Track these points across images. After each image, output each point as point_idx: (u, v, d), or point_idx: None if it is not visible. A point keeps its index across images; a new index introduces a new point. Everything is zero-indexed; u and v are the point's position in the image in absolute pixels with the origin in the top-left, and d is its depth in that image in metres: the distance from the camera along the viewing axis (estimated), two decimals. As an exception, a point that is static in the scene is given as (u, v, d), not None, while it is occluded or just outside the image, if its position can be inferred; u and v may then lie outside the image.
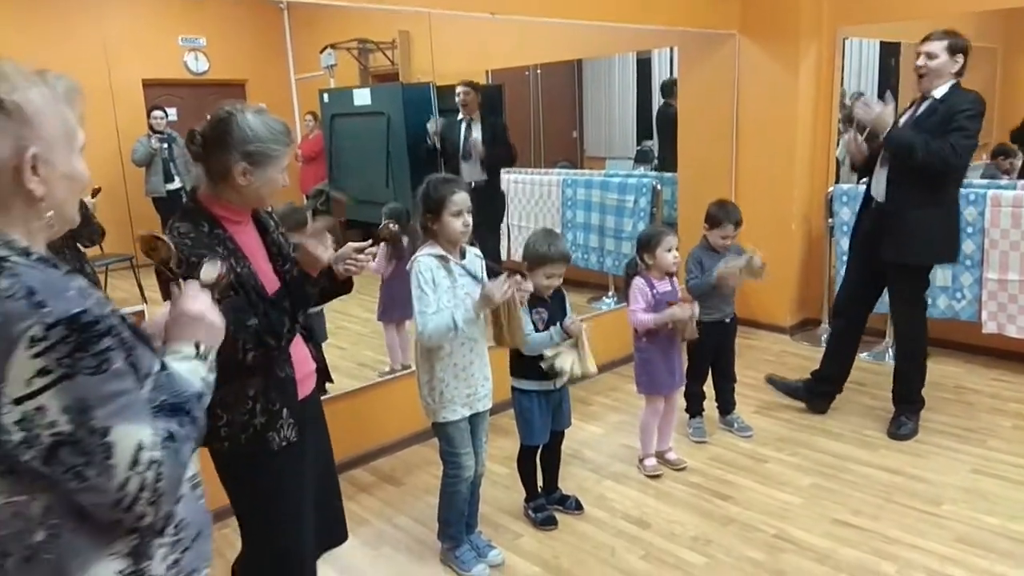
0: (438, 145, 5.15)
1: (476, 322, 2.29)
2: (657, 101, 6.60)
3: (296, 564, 1.96)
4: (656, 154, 6.50)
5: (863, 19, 4.56)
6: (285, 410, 1.83)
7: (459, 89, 5.01)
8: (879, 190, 3.30)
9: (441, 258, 2.30)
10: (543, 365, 2.59)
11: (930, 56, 3.11)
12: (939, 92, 3.13)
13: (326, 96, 6.38)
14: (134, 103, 5.67)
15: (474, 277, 2.34)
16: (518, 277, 2.32)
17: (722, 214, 3.27)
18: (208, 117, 1.77)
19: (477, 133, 4.95)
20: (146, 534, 1.05)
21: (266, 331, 1.72)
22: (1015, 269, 3.91)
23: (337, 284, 1.98)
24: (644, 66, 7.17)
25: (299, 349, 1.94)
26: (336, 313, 5.07)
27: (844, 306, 3.60)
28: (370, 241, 2.05)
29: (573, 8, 3.94)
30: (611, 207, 5.75)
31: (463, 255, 2.37)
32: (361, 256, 1.96)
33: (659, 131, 6.34)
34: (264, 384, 1.79)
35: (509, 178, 6.45)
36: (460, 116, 5.04)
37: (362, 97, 6.27)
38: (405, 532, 2.79)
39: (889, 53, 6.28)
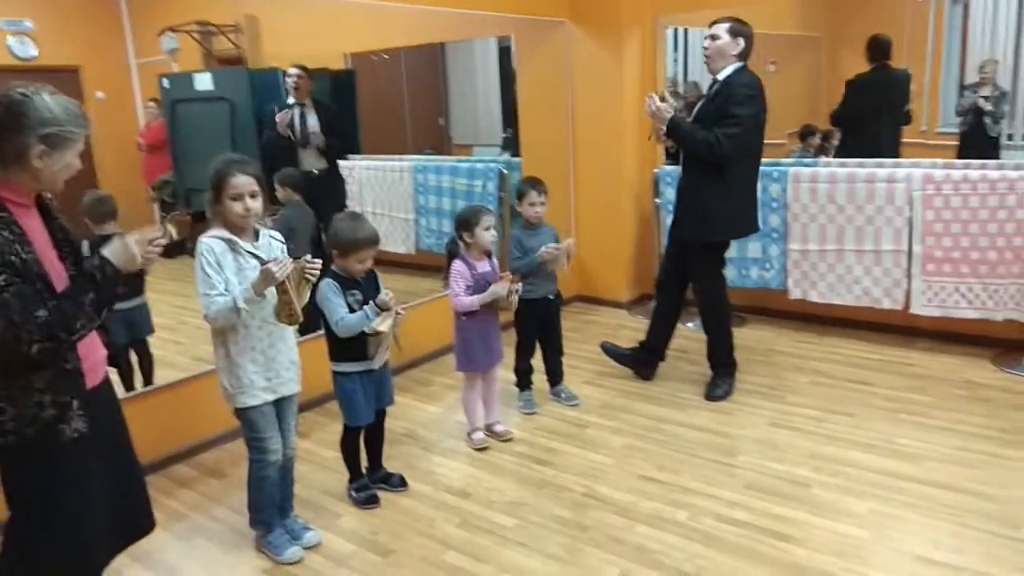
0: (294, 136, 5.01)
1: (259, 300, 2.27)
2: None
3: (81, 560, 1.92)
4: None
5: (680, 8, 4.82)
6: (75, 401, 1.80)
7: (291, 71, 4.92)
8: (680, 171, 3.53)
9: (228, 241, 2.28)
10: (367, 333, 2.61)
11: (714, 38, 3.35)
12: (723, 74, 3.38)
13: (166, 81, 6.08)
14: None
15: (262, 260, 2.32)
16: (304, 257, 2.33)
17: (526, 185, 3.45)
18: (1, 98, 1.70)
19: (313, 120, 4.88)
20: None
21: (58, 325, 1.67)
22: (814, 240, 4.29)
23: (129, 276, 1.94)
24: (506, 53, 7.26)
25: (91, 337, 1.89)
26: (178, 308, 4.89)
27: (662, 282, 3.82)
28: (160, 232, 2.02)
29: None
30: (461, 192, 5.83)
31: (257, 237, 2.36)
32: (152, 248, 1.93)
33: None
34: (52, 376, 1.76)
35: (361, 165, 6.43)
36: (292, 101, 4.95)
37: (203, 82, 6.02)
38: (223, 523, 2.76)
39: None
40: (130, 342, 3.64)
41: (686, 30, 6.40)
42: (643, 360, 3.91)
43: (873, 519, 2.59)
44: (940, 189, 3.86)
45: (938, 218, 3.88)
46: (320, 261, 2.39)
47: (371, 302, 2.63)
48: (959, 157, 4.81)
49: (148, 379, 3.65)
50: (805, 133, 6.10)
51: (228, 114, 5.75)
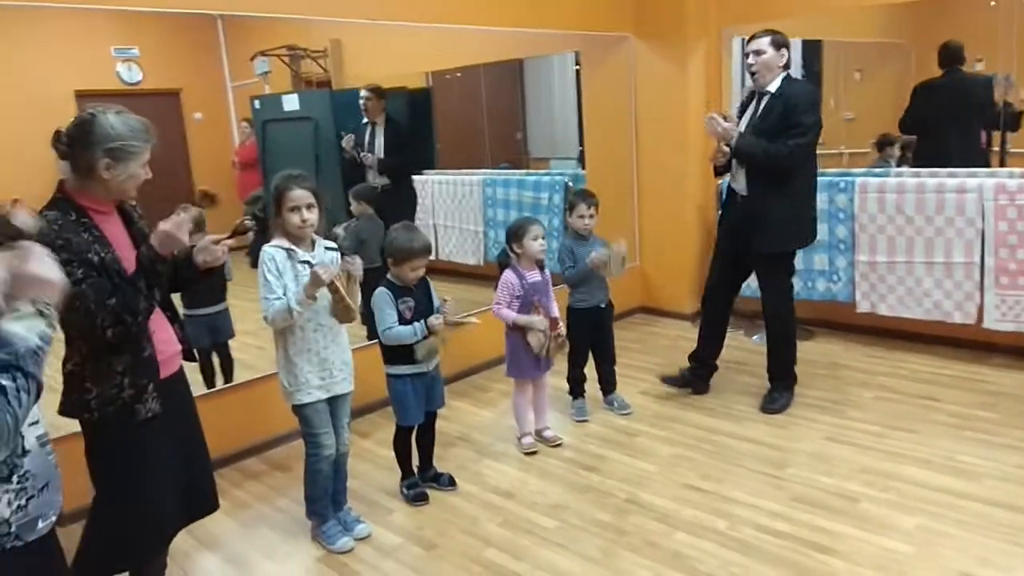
0: (358, 158, 5.30)
1: (310, 303, 2.44)
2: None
3: (150, 529, 2.13)
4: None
5: (746, 19, 4.79)
6: (151, 384, 2.02)
7: (362, 93, 5.17)
8: (741, 185, 3.52)
9: (288, 250, 2.47)
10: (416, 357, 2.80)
11: (758, 53, 3.37)
12: (773, 86, 3.38)
13: (257, 102, 6.51)
14: (68, 114, 5.76)
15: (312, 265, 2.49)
16: (347, 258, 2.50)
17: (576, 197, 3.54)
18: (73, 119, 1.95)
19: (380, 139, 5.13)
20: None
21: (123, 309, 1.90)
22: (883, 251, 4.18)
23: (201, 273, 2.18)
24: (583, 68, 7.35)
25: (164, 331, 2.14)
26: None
27: (711, 292, 3.81)
28: (227, 234, 2.24)
29: (463, 13, 4.15)
30: (528, 204, 5.98)
31: (313, 247, 2.54)
32: (217, 248, 2.15)
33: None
34: (131, 361, 1.99)
35: (435, 179, 6.67)
36: (365, 120, 5.21)
37: (291, 103, 6.40)
38: (285, 513, 2.96)
39: (812, 51, 6.55)
40: (212, 344, 3.94)
41: (733, 39, 6.35)
42: (695, 373, 3.88)
43: (920, 535, 2.53)
44: (1014, 199, 3.71)
45: (1012, 229, 3.73)
46: (357, 257, 2.57)
47: (423, 320, 2.78)
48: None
49: (228, 378, 3.93)
50: (883, 143, 5.92)
51: (313, 132, 6.11)
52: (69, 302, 1.81)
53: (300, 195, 2.45)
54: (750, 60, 3.39)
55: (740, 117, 3.56)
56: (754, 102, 3.49)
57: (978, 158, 4.62)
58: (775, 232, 3.46)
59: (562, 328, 3.27)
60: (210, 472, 2.38)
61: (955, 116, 4.69)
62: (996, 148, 5.19)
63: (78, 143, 1.90)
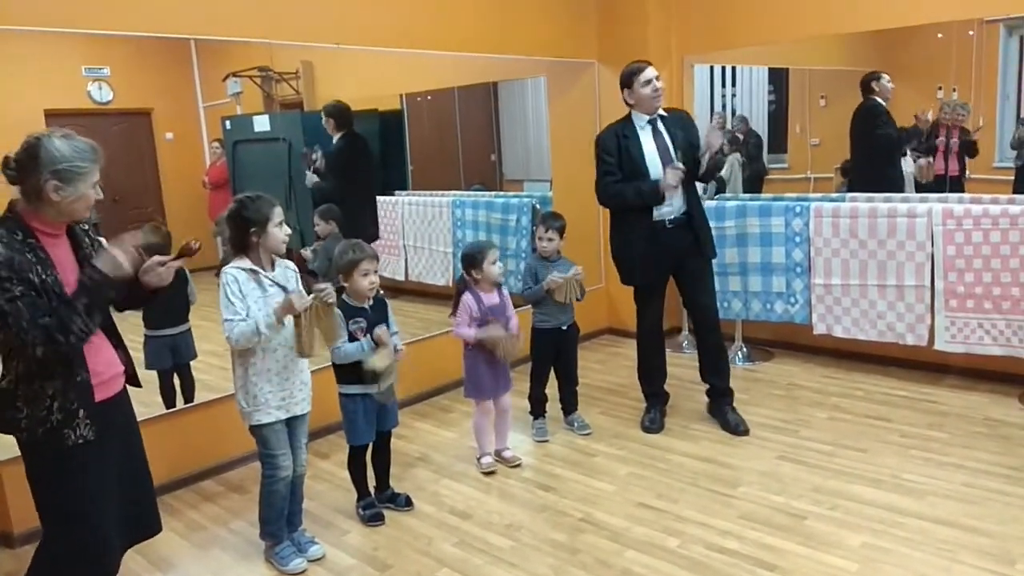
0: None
1: (279, 328, 2.47)
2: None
3: (92, 556, 2.12)
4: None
5: (708, 48, 4.94)
6: (82, 411, 2.01)
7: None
8: (675, 206, 3.54)
9: (250, 271, 2.50)
10: (367, 369, 2.80)
11: (659, 78, 3.58)
12: (661, 110, 3.65)
13: (228, 123, 6.52)
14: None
15: (283, 288, 2.53)
16: (322, 286, 2.54)
17: (540, 220, 3.66)
18: (21, 145, 1.96)
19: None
20: None
21: (57, 328, 1.89)
22: (837, 274, 4.28)
23: (148, 293, 2.19)
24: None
25: (106, 353, 2.13)
26: (227, 335, 5.22)
27: (657, 331, 3.82)
28: (173, 255, 2.25)
29: (429, 39, 4.22)
30: (496, 226, 6.04)
31: (273, 267, 2.57)
32: (162, 269, 2.17)
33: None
34: (62, 385, 1.98)
35: (405, 200, 6.73)
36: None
37: (261, 123, 6.43)
38: (239, 535, 2.95)
39: (779, 78, 6.72)
40: (174, 365, 3.92)
41: (734, 68, 6.52)
42: (663, 411, 3.89)
43: (864, 552, 2.59)
44: (961, 224, 3.83)
45: (959, 253, 3.84)
46: (329, 284, 2.60)
47: (368, 335, 2.81)
48: (1015, 191, 4.75)
49: (189, 399, 3.91)
50: (846, 168, 6.06)
51: (286, 153, 6.15)
52: (2, 318, 1.83)
53: (280, 212, 2.50)
54: (659, 85, 3.57)
55: (620, 151, 3.60)
56: (647, 129, 3.60)
57: (877, 182, 4.67)
58: (711, 236, 3.70)
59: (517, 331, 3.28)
60: (152, 495, 2.35)
61: (854, 141, 5.09)
62: (958, 175, 5.37)
63: (25, 168, 1.93)
